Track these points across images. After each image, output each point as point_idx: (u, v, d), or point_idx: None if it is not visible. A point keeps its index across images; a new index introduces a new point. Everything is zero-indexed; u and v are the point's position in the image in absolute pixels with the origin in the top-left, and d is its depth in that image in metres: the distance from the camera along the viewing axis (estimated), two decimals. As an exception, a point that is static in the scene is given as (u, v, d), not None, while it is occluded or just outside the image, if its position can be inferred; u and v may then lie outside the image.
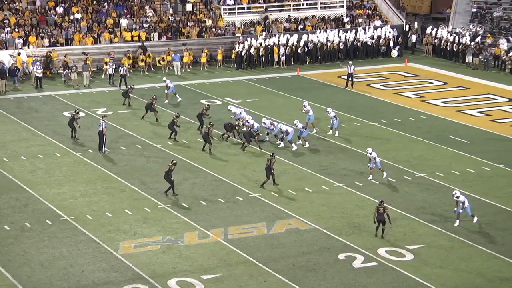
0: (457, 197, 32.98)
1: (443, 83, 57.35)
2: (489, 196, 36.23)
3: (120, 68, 54.82)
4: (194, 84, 56.37)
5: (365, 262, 29.97)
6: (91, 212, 34.28)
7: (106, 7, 64.34)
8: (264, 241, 31.42)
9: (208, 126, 41.71)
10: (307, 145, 42.62)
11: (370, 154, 37.98)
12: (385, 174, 38.17)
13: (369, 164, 38.21)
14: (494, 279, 28.83)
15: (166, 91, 50.76)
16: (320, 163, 40.44)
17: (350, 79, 55.27)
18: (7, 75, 54.52)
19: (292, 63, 62.11)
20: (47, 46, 58.65)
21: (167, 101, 50.42)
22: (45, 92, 53.63)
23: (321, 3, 70.13)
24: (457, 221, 32.96)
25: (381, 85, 56.67)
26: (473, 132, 45.90)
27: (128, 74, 55.38)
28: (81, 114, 48.00)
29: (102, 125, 41.64)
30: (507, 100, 52.94)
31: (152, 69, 59.28)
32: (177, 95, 50.85)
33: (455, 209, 33.11)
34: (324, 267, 29.55)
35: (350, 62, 56.88)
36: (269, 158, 37.16)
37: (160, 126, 46.05)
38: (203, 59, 60.65)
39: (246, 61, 61.17)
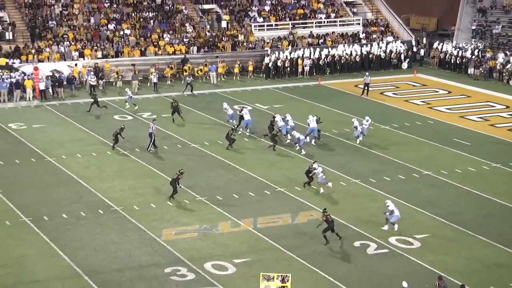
0: (388, 206, 31.65)
1: (447, 92, 57.02)
2: (488, 192, 36.00)
3: (187, 78, 55.74)
4: (228, 91, 56.43)
5: (378, 249, 29.90)
6: (137, 203, 34.44)
7: (152, 24, 64.57)
8: (289, 230, 31.43)
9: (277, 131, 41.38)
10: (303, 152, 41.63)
11: (315, 169, 35.71)
12: (322, 190, 35.77)
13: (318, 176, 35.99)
14: (491, 265, 28.67)
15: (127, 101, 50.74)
16: (339, 162, 40.35)
17: (366, 88, 55.14)
18: (66, 83, 54.97)
19: (314, 74, 61.94)
20: (99, 58, 58.98)
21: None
22: (98, 98, 53.88)
23: (340, 21, 69.91)
24: (386, 225, 31.64)
25: (392, 93, 56.44)
26: (474, 135, 45.60)
27: (193, 80, 56.20)
28: (129, 117, 48.35)
29: (152, 127, 41.74)
30: (505, 107, 52.53)
31: (192, 78, 59.37)
32: (134, 104, 50.68)
33: (387, 213, 31.76)
34: (341, 254, 29.52)
35: (366, 73, 56.68)
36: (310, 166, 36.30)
37: (198, 128, 46.13)
38: (236, 70, 60.70)
39: (274, 72, 61.12)
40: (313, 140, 43.42)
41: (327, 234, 30.02)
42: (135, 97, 53.73)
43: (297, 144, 41.89)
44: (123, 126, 42.54)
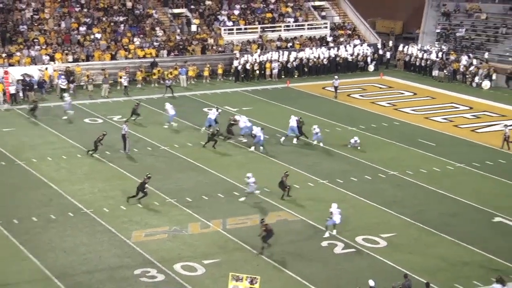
0: (331, 211, 31.06)
1: (413, 94, 57.26)
2: (452, 191, 36.13)
3: (166, 81, 55.64)
4: (198, 94, 56.22)
5: (345, 248, 29.87)
6: (107, 205, 34.12)
7: (122, 28, 64.13)
8: (257, 231, 31.23)
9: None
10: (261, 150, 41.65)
11: (249, 178, 34.46)
12: (243, 198, 34.67)
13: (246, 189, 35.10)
14: (456, 263, 28.77)
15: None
16: (306, 163, 40.30)
17: (335, 90, 55.10)
18: (36, 87, 54.38)
19: (283, 76, 61.91)
20: (70, 62, 58.43)
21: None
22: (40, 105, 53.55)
23: (308, 25, 69.99)
24: (327, 232, 31.05)
25: (359, 95, 56.54)
26: (439, 136, 45.79)
27: (173, 83, 56.13)
28: (99, 120, 47.99)
29: (124, 129, 41.46)
30: (468, 108, 52.85)
31: (162, 81, 59.06)
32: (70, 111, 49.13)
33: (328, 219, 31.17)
34: (309, 253, 29.43)
35: (336, 76, 56.64)
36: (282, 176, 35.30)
37: (167, 130, 45.90)
38: (206, 73, 60.50)
39: (243, 75, 60.99)
40: (294, 140, 43.54)
41: (270, 241, 29.38)
42: (106, 101, 53.37)
43: (253, 146, 41.91)
44: (105, 133, 41.65)
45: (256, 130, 42.23)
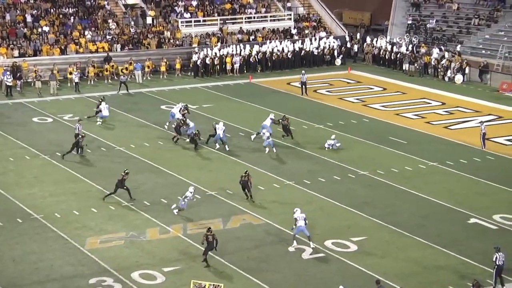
0: (294, 213, 30.58)
1: (382, 89, 57.66)
2: (425, 191, 36.46)
3: (120, 77, 55.46)
4: (154, 91, 56.03)
5: (313, 253, 29.98)
6: (59, 210, 33.87)
7: (72, 21, 63.67)
8: (220, 236, 31.16)
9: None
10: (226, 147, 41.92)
11: (190, 192, 33.56)
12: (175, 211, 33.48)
13: None
14: (430, 267, 29.03)
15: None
16: (271, 163, 40.38)
17: (303, 86, 55.18)
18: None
19: (245, 71, 61.98)
20: (16, 57, 57.88)
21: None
22: (15, 99, 52.99)
23: (270, 16, 70.18)
24: (294, 241, 30.43)
25: (326, 91, 56.79)
26: (410, 133, 46.16)
27: (127, 79, 55.99)
28: (49, 119, 47.61)
29: (78, 128, 41.20)
30: (440, 103, 53.37)
31: (116, 77, 58.78)
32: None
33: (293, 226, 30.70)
34: (276, 259, 29.51)
35: (303, 71, 56.72)
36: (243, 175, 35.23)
37: (123, 130, 45.71)
38: (163, 68, 60.35)
39: (202, 70, 60.94)
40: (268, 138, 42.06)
41: (211, 252, 29.08)
42: (55, 98, 52.99)
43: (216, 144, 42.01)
44: (83, 135, 41.22)
45: (218, 127, 42.07)
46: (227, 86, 58.20)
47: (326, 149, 42.24)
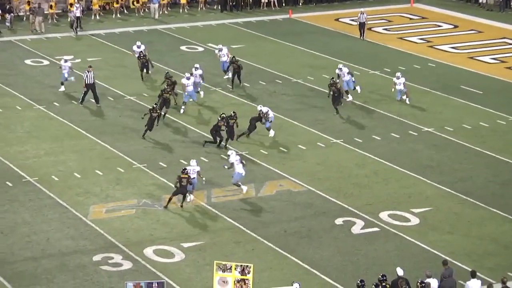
0: (228, 156, 32.28)
1: (453, 26, 57.26)
2: (504, 153, 36.26)
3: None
4: (173, 28, 56.06)
5: (365, 227, 29.99)
6: (57, 172, 34.13)
7: None
8: (251, 205, 31.34)
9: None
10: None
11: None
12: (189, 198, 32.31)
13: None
14: (510, 245, 28.91)
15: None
16: (315, 117, 40.32)
17: (362, 28, 54.36)
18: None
19: (284, 5, 61.76)
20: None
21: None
22: (4, 37, 53.28)
23: None
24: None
25: (383, 29, 56.53)
26: (487, 81, 45.89)
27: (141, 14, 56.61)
28: (45, 62, 47.88)
29: (88, 76, 40.82)
30: (525, 45, 53.02)
31: (126, 11, 58.80)
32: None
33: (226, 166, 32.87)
34: (319, 234, 29.56)
35: (362, 9, 55.82)
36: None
37: (133, 77, 45.82)
38: (183, 0, 60.26)
39: (232, 2, 60.78)
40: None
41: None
42: (53, 36, 53.19)
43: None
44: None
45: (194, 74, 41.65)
46: (261, 22, 58.08)
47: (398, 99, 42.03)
